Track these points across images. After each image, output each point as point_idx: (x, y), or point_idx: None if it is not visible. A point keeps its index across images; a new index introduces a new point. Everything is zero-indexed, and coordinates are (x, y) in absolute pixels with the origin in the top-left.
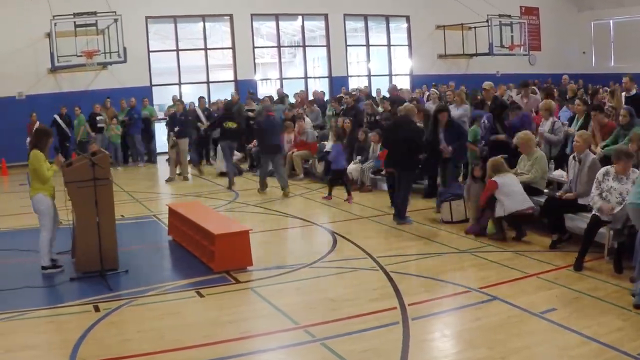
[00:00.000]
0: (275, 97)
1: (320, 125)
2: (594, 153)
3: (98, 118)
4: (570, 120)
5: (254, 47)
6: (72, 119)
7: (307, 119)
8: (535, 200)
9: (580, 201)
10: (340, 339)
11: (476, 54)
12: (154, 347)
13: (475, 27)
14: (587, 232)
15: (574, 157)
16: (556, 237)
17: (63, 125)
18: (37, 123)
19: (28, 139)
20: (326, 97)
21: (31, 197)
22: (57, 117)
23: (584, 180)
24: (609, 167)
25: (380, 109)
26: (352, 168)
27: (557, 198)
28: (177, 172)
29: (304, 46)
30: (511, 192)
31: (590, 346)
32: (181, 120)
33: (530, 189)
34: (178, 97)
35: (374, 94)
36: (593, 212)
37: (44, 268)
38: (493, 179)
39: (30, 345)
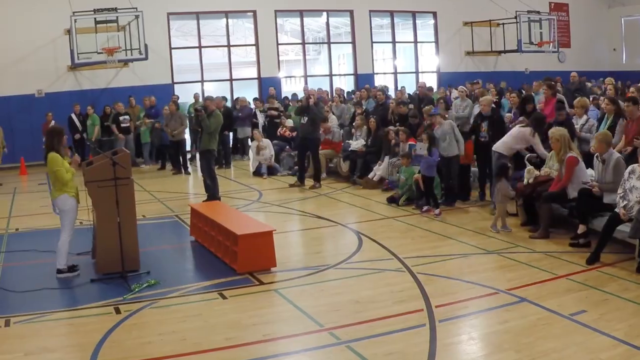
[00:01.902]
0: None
1: (342, 122)
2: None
3: (121, 118)
4: (600, 119)
5: (277, 44)
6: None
7: (333, 117)
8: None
9: (606, 200)
10: (365, 341)
11: (504, 51)
12: (175, 349)
13: (503, 24)
14: (606, 227)
15: (596, 157)
16: (584, 229)
17: (78, 123)
18: (53, 122)
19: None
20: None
21: (55, 198)
22: (73, 115)
23: (608, 180)
24: (635, 165)
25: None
26: (381, 168)
27: (589, 188)
28: None
29: (329, 43)
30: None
31: (621, 349)
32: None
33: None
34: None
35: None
36: (615, 209)
37: (59, 272)
38: (571, 154)
39: (49, 348)
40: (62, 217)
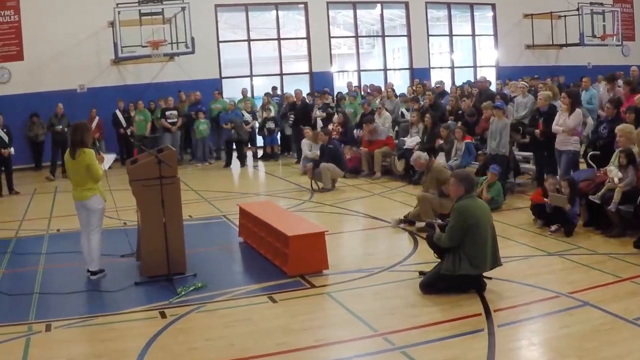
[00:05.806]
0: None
1: (395, 117)
2: None
3: (168, 113)
4: None
5: (330, 37)
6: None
7: (386, 113)
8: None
9: None
10: (421, 347)
11: (566, 45)
12: (223, 355)
13: (565, 16)
14: None
15: None
16: None
17: (122, 120)
18: (97, 119)
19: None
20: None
21: (87, 199)
22: (117, 111)
23: None
24: None
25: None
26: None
27: None
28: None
29: (383, 36)
30: None
31: None
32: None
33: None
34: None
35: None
36: None
37: (93, 274)
38: None
39: (93, 354)
40: (93, 218)
